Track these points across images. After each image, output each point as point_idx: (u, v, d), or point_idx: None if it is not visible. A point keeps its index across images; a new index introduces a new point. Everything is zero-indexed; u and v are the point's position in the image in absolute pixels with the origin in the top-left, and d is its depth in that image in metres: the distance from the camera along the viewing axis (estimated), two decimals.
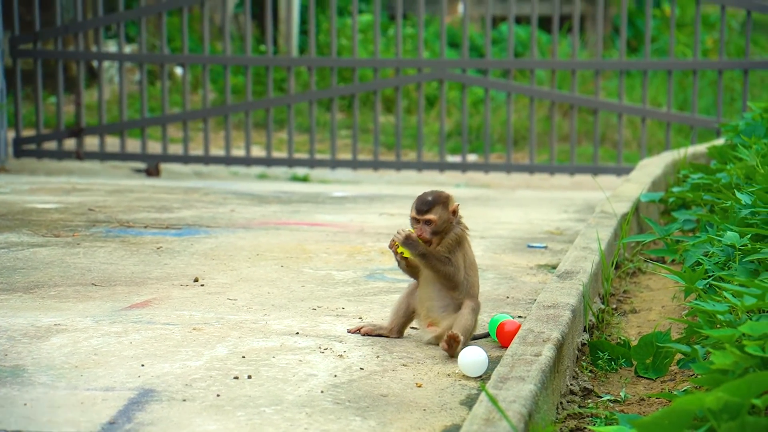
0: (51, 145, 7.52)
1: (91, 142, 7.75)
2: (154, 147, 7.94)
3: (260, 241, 4.13)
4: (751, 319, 1.99)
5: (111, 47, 9.52)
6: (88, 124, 7.85)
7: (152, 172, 7.33)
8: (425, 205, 2.59)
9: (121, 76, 7.37)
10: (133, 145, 7.84)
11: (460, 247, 2.62)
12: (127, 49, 9.42)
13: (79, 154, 7.41)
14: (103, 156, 7.42)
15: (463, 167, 7.21)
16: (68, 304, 3.05)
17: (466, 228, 2.65)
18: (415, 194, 2.68)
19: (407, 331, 2.80)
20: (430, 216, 2.58)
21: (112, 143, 7.71)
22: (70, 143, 7.65)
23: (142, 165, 7.50)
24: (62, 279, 3.37)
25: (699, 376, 1.87)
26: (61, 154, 7.45)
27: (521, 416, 1.97)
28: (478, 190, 6.66)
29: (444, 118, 7.18)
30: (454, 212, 2.61)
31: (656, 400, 2.39)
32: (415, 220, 2.61)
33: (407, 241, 2.58)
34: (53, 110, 8.04)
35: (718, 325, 2.10)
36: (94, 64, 9.09)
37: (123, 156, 7.40)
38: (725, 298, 2.09)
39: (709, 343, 2.10)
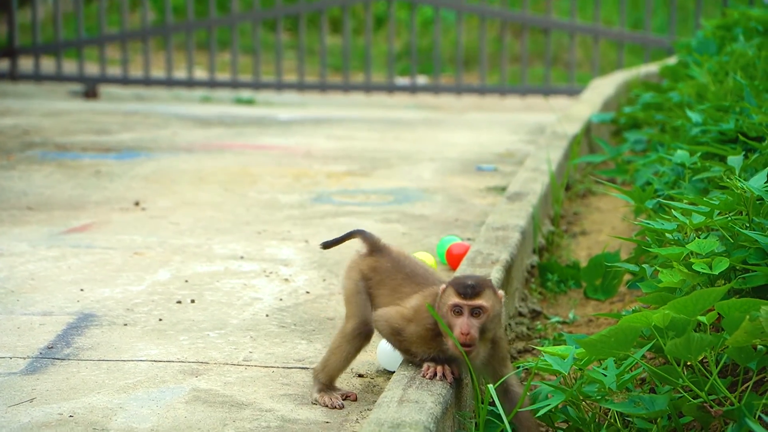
0: None
1: (26, 64, 7.44)
2: (92, 69, 7.65)
3: (203, 164, 4.02)
4: (699, 237, 1.98)
5: None
6: (22, 44, 7.52)
7: (90, 94, 7.09)
8: (470, 287, 1.68)
9: None
10: (69, 67, 7.54)
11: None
12: None
13: (14, 75, 7.12)
14: (38, 77, 7.14)
15: (413, 89, 7.11)
16: (3, 228, 2.95)
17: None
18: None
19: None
20: (481, 301, 1.68)
21: (48, 65, 7.41)
22: (3, 64, 7.34)
23: (79, 87, 7.24)
24: None
25: (647, 295, 1.86)
26: None
27: None
28: (428, 113, 6.58)
29: (393, 39, 7.04)
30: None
31: (605, 320, 2.40)
32: (456, 309, 1.68)
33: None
34: None
35: (666, 244, 2.08)
36: None
37: (59, 78, 7.13)
38: (674, 217, 2.07)
39: (657, 262, 2.09)
